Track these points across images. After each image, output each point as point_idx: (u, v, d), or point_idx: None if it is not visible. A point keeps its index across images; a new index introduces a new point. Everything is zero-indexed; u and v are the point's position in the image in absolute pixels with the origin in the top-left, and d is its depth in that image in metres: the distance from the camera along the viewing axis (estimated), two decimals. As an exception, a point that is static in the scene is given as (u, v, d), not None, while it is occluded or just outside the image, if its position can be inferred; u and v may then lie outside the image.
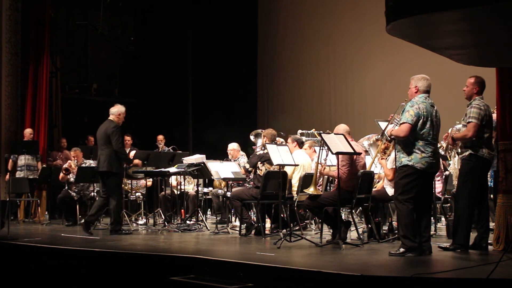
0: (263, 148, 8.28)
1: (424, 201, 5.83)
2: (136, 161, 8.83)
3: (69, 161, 10.11)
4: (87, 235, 7.96)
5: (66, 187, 10.05)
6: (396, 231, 7.04)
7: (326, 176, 7.96)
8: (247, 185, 8.87)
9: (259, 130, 9.17)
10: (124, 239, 7.68)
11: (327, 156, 7.02)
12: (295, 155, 7.77)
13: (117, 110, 8.45)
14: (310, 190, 6.85)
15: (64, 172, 9.93)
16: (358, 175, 6.79)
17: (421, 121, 5.70)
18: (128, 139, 11.33)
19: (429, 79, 5.89)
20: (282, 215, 7.61)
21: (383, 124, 6.87)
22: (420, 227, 5.77)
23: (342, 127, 7.00)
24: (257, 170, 7.95)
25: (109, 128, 8.22)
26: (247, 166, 8.09)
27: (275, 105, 13.54)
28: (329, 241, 6.65)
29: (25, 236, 7.94)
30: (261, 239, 7.35)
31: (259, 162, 7.99)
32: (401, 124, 5.76)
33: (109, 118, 8.42)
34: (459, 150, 6.14)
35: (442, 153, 7.19)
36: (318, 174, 6.99)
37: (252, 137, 9.30)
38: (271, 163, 7.67)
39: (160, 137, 11.77)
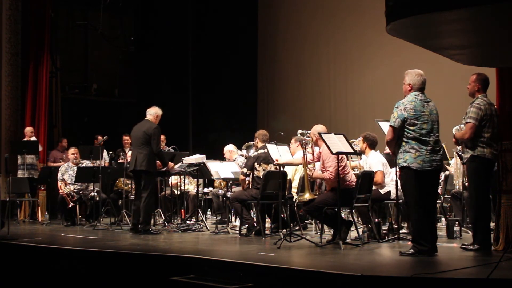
0: (257, 149, 8.23)
1: (426, 201, 5.74)
2: (171, 164, 8.82)
3: (61, 186, 9.79)
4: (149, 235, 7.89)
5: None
6: (396, 231, 7.06)
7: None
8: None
9: (250, 143, 9.29)
10: (124, 239, 7.69)
11: (313, 159, 7.02)
12: (298, 156, 7.74)
13: (155, 112, 8.47)
14: (306, 196, 6.83)
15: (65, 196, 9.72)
16: (358, 175, 6.80)
17: (408, 121, 5.60)
18: (126, 139, 11.29)
19: (423, 74, 5.79)
20: (282, 215, 7.61)
21: (383, 124, 6.86)
22: None
23: (319, 127, 6.99)
24: (255, 172, 7.93)
25: (150, 129, 8.23)
26: (245, 170, 7.99)
27: (275, 105, 13.53)
28: (329, 241, 6.64)
29: (25, 236, 7.94)
30: (261, 239, 7.34)
31: (255, 163, 7.97)
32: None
33: (146, 118, 8.42)
34: (464, 151, 6.12)
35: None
36: (309, 179, 6.98)
37: (244, 151, 9.44)
38: (267, 163, 7.66)
39: (162, 137, 11.71)
